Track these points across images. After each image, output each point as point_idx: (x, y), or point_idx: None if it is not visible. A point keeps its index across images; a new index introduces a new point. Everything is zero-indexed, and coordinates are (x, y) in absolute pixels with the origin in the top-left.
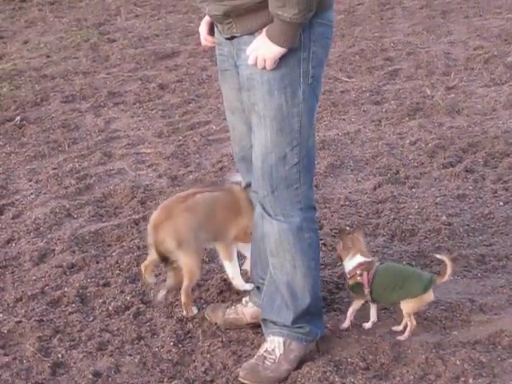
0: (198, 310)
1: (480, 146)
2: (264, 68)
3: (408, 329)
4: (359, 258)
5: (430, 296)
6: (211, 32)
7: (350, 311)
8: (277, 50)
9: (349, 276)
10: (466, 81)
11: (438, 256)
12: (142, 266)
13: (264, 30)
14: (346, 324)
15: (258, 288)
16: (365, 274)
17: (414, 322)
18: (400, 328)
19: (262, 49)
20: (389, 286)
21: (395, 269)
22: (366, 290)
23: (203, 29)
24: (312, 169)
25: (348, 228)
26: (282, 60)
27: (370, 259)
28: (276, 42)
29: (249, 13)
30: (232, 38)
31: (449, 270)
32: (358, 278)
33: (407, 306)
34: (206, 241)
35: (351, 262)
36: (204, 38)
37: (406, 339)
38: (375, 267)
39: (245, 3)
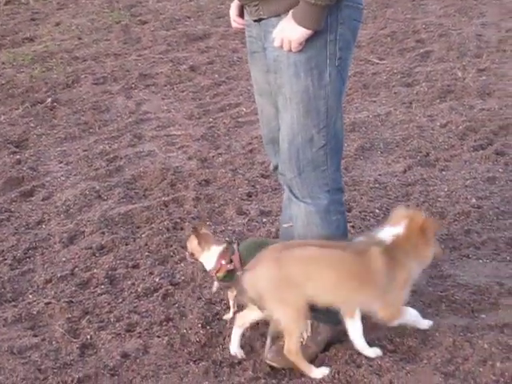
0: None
1: (511, 128)
2: (290, 50)
3: None
4: (216, 249)
5: None
6: (241, 14)
7: (232, 302)
8: (302, 32)
9: (215, 270)
10: (497, 63)
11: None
12: None
13: (290, 12)
14: (231, 314)
15: None
16: (234, 257)
17: None
18: None
19: (288, 31)
20: None
21: (256, 243)
22: (239, 273)
23: (233, 11)
24: (340, 151)
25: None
26: (308, 42)
27: (223, 245)
28: (301, 23)
29: None
30: (260, 20)
31: None
32: (228, 266)
33: None
34: None
35: (210, 256)
36: (233, 19)
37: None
38: (236, 248)
39: None
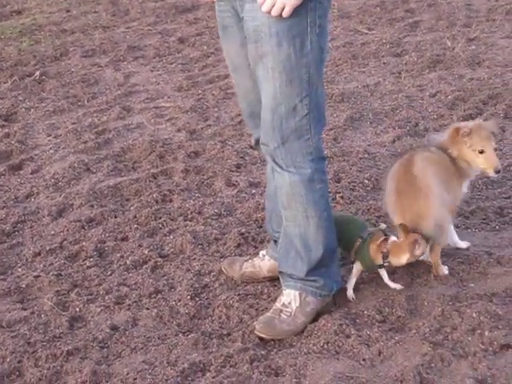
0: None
1: (500, 97)
2: (278, 16)
3: None
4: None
5: None
6: None
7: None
8: None
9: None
10: (487, 32)
11: None
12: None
13: None
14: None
15: (274, 242)
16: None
17: None
18: None
19: None
20: None
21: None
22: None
23: None
24: (322, 119)
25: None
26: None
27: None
28: None
29: None
30: None
31: None
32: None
33: None
34: None
35: None
36: None
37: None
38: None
39: None
